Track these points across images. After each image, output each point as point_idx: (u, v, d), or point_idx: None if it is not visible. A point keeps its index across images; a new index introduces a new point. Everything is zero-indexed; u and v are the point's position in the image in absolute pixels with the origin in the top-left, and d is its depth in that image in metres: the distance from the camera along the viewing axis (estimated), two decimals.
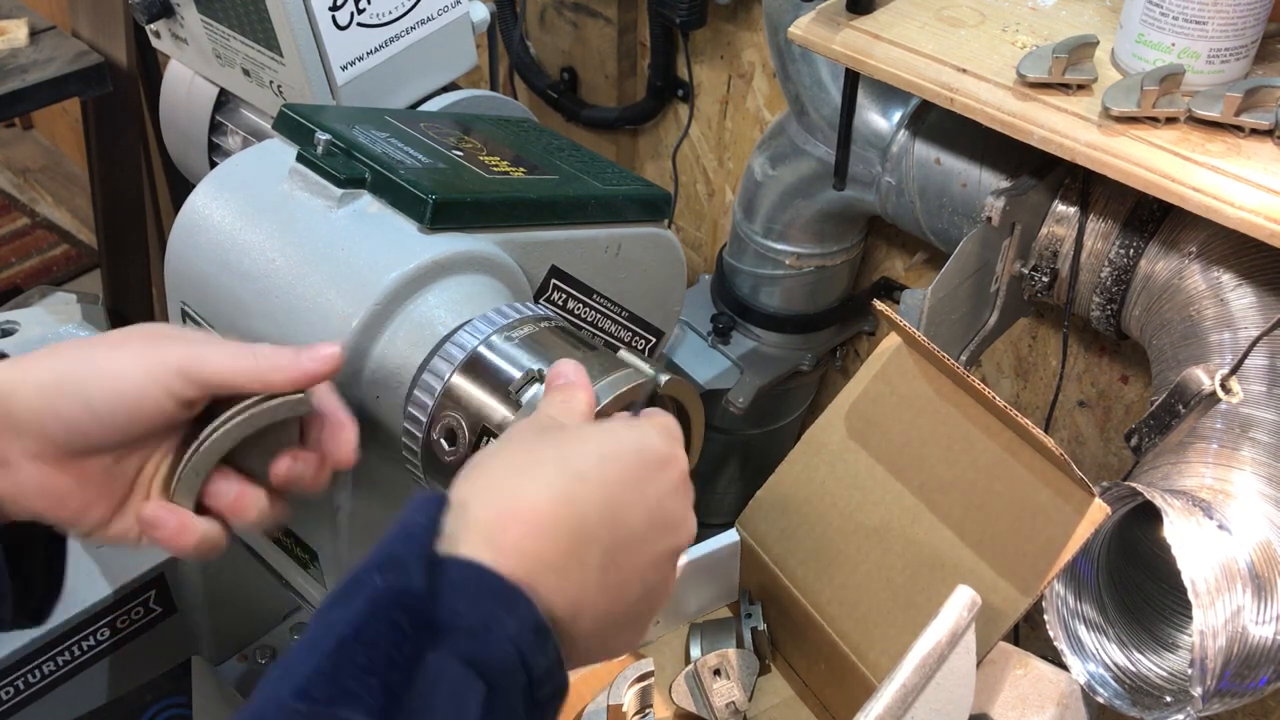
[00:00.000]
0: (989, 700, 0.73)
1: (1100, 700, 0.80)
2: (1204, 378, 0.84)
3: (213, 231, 0.74)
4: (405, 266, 0.67)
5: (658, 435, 0.53)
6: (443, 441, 0.63)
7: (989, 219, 0.95)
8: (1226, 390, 0.83)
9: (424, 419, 0.64)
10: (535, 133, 0.94)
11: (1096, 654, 0.82)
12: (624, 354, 0.63)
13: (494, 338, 0.64)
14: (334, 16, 0.89)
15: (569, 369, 0.57)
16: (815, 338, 1.40)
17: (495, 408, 0.61)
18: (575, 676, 0.79)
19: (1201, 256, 0.89)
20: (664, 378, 0.61)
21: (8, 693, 0.89)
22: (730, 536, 0.82)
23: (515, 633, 0.44)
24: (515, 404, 0.60)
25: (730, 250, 1.37)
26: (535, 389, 0.60)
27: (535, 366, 0.61)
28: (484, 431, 0.62)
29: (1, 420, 0.54)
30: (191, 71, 1.08)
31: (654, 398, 0.64)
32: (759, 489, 0.82)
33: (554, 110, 1.63)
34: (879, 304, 0.75)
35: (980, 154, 1.04)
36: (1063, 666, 0.79)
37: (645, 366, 0.61)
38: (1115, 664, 0.82)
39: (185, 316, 0.77)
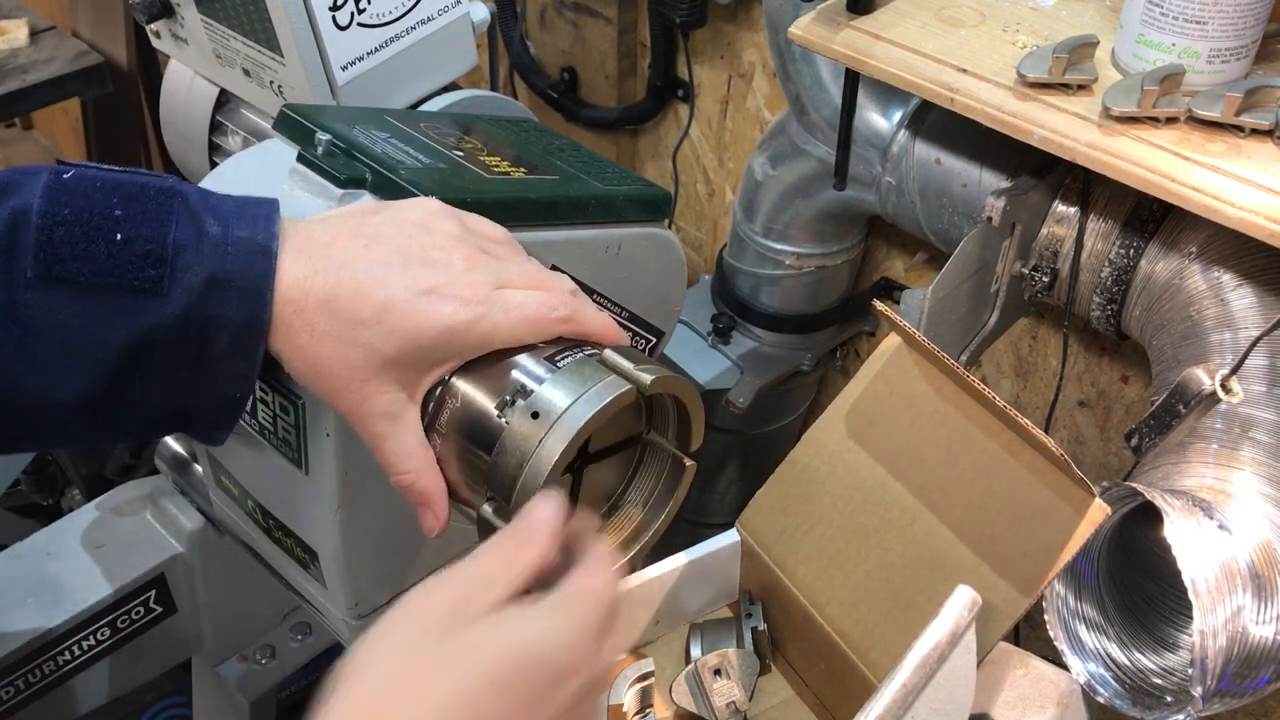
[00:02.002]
0: (989, 700, 0.73)
1: (1100, 700, 0.80)
2: (1204, 378, 0.84)
3: None
4: None
5: (572, 634, 0.48)
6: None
7: (989, 219, 0.95)
8: (1227, 390, 0.83)
9: None
10: (535, 133, 0.94)
11: (1097, 654, 0.82)
12: (609, 354, 0.60)
13: (458, 372, 0.63)
14: (334, 16, 0.89)
15: (541, 515, 0.52)
16: (815, 338, 1.40)
17: (482, 437, 0.61)
18: None
19: (1202, 256, 0.89)
20: (648, 378, 0.59)
21: (8, 693, 0.89)
22: (730, 536, 0.82)
23: None
24: (498, 428, 0.59)
25: (730, 250, 1.37)
26: (519, 404, 0.59)
27: (508, 395, 0.59)
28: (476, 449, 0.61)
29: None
30: (191, 71, 1.08)
31: (654, 398, 0.64)
32: (759, 489, 0.82)
33: (554, 110, 1.63)
34: (879, 304, 0.75)
35: (980, 154, 1.04)
36: (1063, 666, 0.79)
37: (631, 369, 0.60)
38: (1116, 664, 0.82)
39: None
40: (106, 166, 0.58)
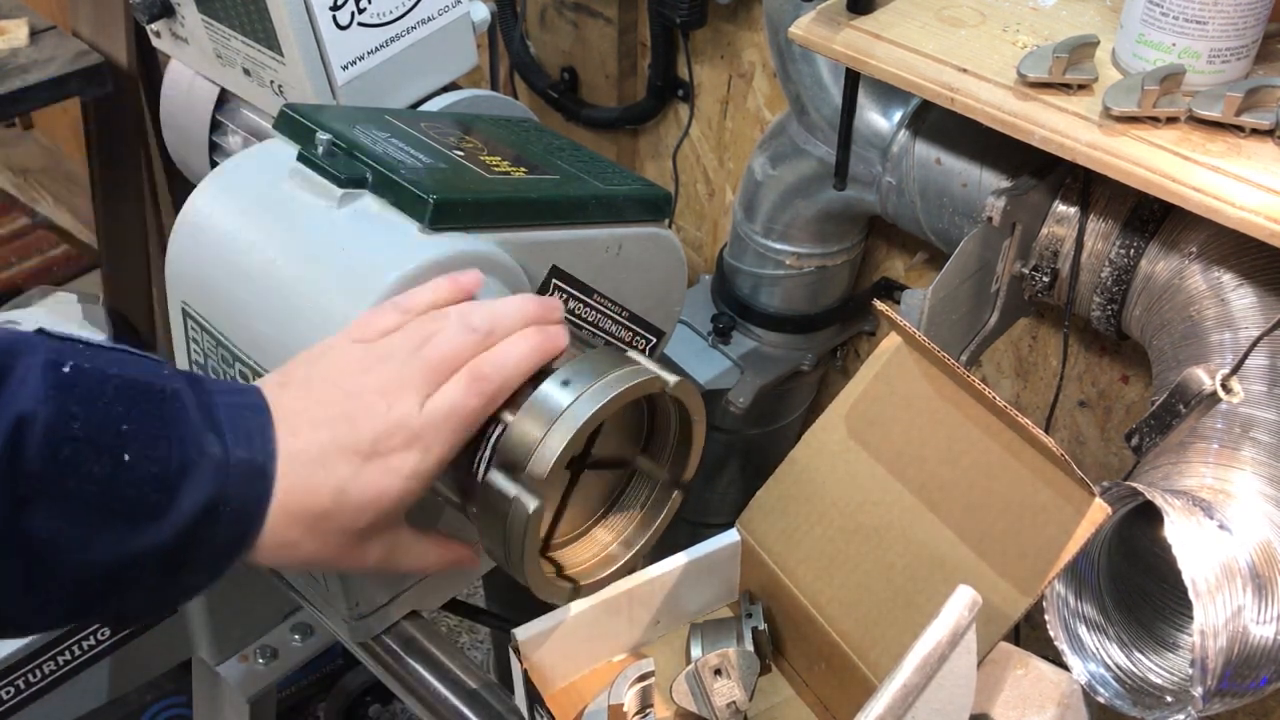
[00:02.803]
0: (989, 700, 0.73)
1: (1101, 700, 0.80)
2: (1204, 378, 0.84)
3: (213, 231, 0.74)
4: (406, 266, 0.67)
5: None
6: None
7: (989, 219, 0.95)
8: (1227, 390, 0.83)
9: None
10: (536, 133, 0.94)
11: (1097, 654, 0.82)
12: (632, 354, 0.62)
13: None
14: (334, 16, 0.89)
15: (467, 278, 0.65)
16: (815, 338, 1.40)
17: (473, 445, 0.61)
18: (577, 676, 0.79)
19: (1202, 256, 0.89)
20: (672, 379, 0.60)
21: (8, 693, 0.89)
22: (731, 536, 0.82)
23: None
24: (503, 425, 0.60)
25: (730, 250, 1.37)
26: (549, 379, 0.60)
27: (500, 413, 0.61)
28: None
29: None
30: (192, 71, 1.08)
31: (658, 418, 0.65)
32: (759, 489, 0.82)
33: (554, 110, 1.63)
34: (879, 304, 0.75)
35: (981, 154, 1.04)
36: (1063, 666, 0.79)
37: (653, 368, 0.61)
38: (1116, 664, 0.82)
39: (186, 316, 0.77)
40: (97, 345, 0.55)
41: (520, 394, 0.59)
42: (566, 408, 0.57)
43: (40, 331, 0.54)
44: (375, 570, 0.61)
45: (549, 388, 0.59)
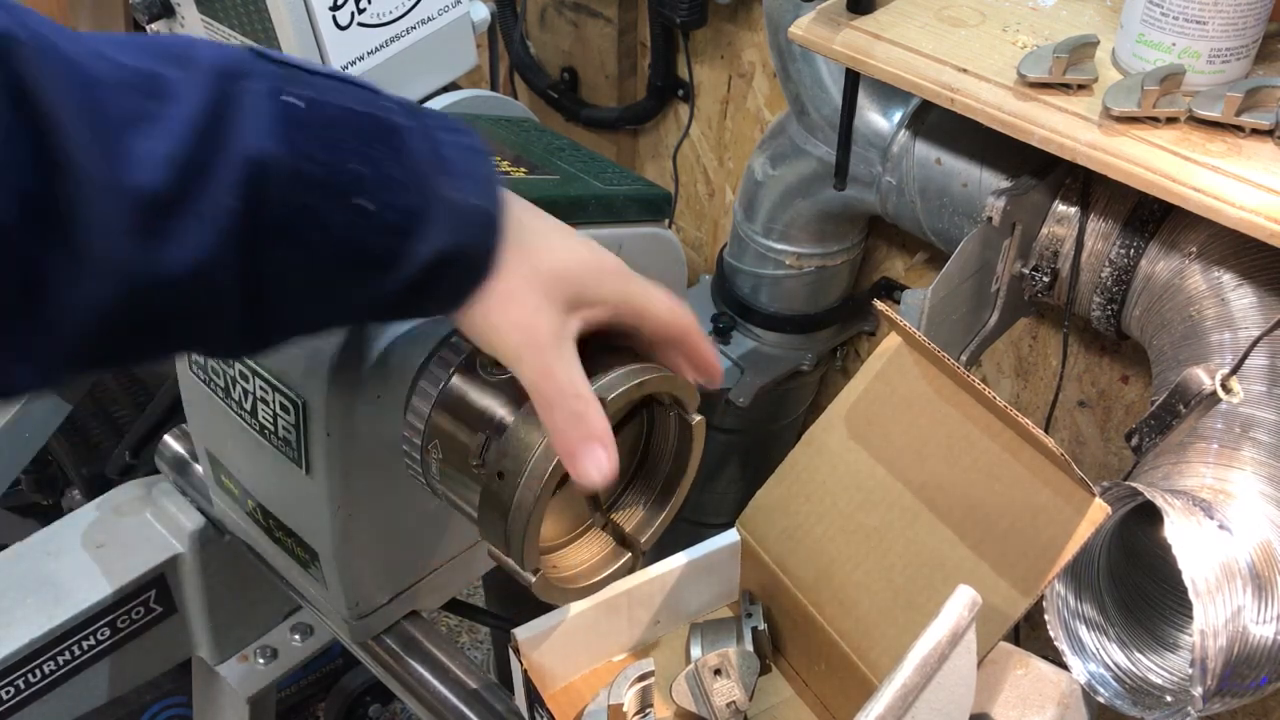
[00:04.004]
0: (989, 700, 0.73)
1: (1101, 700, 0.80)
2: (1204, 378, 0.84)
3: None
4: None
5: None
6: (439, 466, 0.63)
7: (990, 219, 0.95)
8: (1227, 390, 0.83)
9: (418, 444, 0.64)
10: (536, 133, 0.94)
11: (1097, 654, 0.82)
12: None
13: (458, 372, 0.64)
14: (334, 16, 0.89)
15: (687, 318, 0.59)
16: (815, 338, 1.40)
17: (474, 445, 0.61)
18: (577, 676, 0.79)
19: (1202, 257, 0.89)
20: (678, 381, 0.60)
21: (8, 693, 0.89)
22: (731, 536, 0.82)
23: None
24: (496, 434, 0.60)
25: (730, 250, 1.37)
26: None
27: (500, 413, 0.61)
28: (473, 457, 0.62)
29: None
30: None
31: (654, 397, 0.64)
32: (759, 489, 0.82)
33: (554, 110, 1.63)
34: (879, 304, 0.75)
35: (981, 154, 1.04)
36: (1063, 666, 0.79)
37: (658, 370, 0.61)
38: (1116, 664, 0.82)
39: None
40: (312, 70, 0.49)
41: (522, 394, 0.59)
42: None
43: (253, 51, 0.48)
44: (535, 368, 0.54)
45: (489, 473, 0.58)
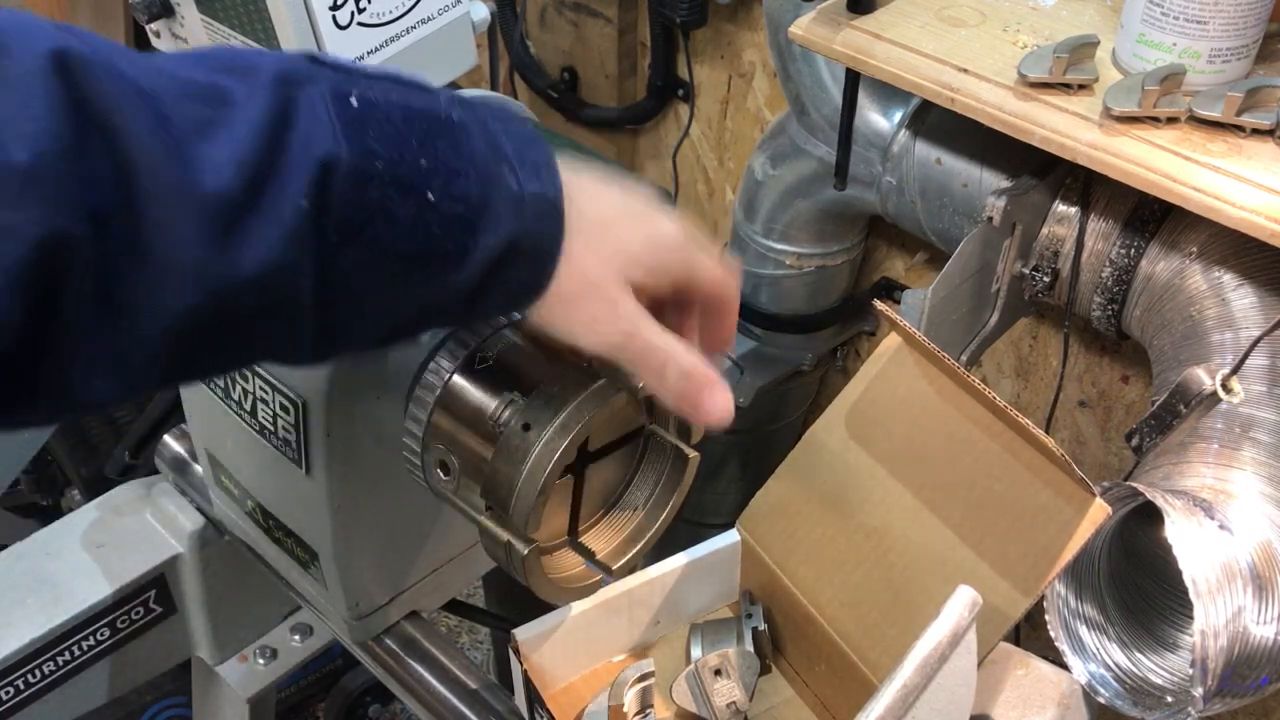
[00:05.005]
0: (990, 700, 0.73)
1: (1101, 700, 0.80)
2: (1205, 378, 0.84)
3: None
4: None
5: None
6: (438, 471, 0.63)
7: (990, 219, 0.95)
8: (1227, 390, 0.83)
9: (418, 448, 0.64)
10: None
11: (1097, 654, 0.82)
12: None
13: (460, 371, 0.63)
14: (334, 16, 0.89)
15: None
16: (815, 338, 1.40)
17: (476, 443, 0.61)
18: (577, 677, 0.79)
19: (1202, 256, 0.89)
20: (636, 386, 0.60)
21: (8, 693, 0.89)
22: (731, 536, 0.82)
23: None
24: (496, 434, 0.59)
25: (730, 250, 1.37)
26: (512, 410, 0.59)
27: (510, 395, 0.60)
28: (475, 459, 0.61)
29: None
30: None
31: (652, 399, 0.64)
32: (759, 489, 0.82)
33: (554, 110, 1.63)
34: (879, 304, 0.75)
35: (981, 154, 1.04)
36: (1064, 667, 0.79)
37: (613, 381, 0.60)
38: (1116, 664, 0.82)
39: None
40: (365, 70, 0.50)
41: (495, 426, 0.60)
42: (532, 451, 0.57)
43: (310, 57, 0.49)
44: (617, 339, 0.55)
45: (511, 429, 0.58)
